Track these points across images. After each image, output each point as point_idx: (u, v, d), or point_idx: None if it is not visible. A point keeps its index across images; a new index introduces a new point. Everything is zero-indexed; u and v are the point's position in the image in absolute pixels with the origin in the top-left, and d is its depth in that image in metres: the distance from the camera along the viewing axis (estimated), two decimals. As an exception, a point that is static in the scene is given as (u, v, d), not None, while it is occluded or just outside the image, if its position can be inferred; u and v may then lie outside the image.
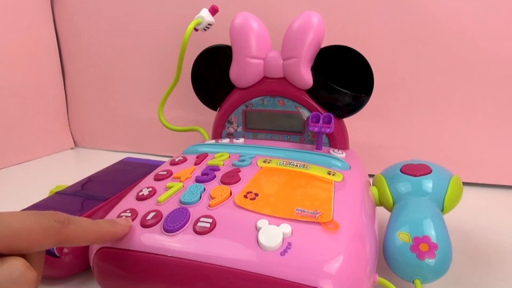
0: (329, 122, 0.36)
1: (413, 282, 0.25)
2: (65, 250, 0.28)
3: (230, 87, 0.41)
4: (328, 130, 0.35)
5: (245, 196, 0.26)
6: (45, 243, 0.19)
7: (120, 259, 0.24)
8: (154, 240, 0.24)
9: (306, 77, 0.37)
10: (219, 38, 0.41)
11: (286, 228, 0.23)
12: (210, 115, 0.44)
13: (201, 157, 0.35)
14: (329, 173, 0.30)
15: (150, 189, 0.29)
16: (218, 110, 0.43)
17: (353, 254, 0.22)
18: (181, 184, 0.29)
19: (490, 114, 0.47)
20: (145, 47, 0.61)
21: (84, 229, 0.21)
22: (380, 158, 0.44)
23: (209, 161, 0.33)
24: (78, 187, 0.37)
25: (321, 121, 0.36)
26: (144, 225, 0.25)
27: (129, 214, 0.26)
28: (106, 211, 0.28)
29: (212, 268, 0.22)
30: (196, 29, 0.42)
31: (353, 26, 0.49)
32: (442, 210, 0.30)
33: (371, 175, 0.36)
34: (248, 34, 0.37)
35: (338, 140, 0.38)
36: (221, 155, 0.34)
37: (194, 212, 0.25)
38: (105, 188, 0.36)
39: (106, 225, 0.23)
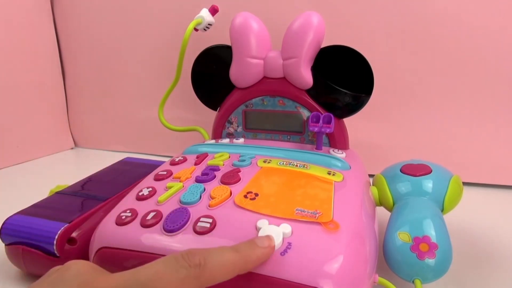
0: (329, 122, 0.36)
1: (413, 282, 0.25)
2: (66, 247, 0.28)
3: (230, 87, 0.41)
4: (328, 130, 0.35)
5: (245, 196, 0.26)
6: None
7: (120, 259, 0.24)
8: (154, 240, 0.24)
9: (306, 77, 0.37)
10: (219, 38, 0.41)
11: (286, 228, 0.23)
12: (210, 115, 0.44)
13: (201, 157, 0.35)
14: (329, 173, 0.30)
15: (150, 189, 0.29)
16: (218, 110, 0.43)
17: (353, 254, 0.22)
18: (181, 184, 0.29)
19: (490, 114, 0.47)
20: (145, 47, 0.61)
21: (222, 264, 0.19)
22: (380, 158, 0.44)
23: (209, 161, 0.33)
24: (78, 187, 0.37)
25: (321, 121, 0.36)
26: (144, 225, 0.25)
27: (129, 214, 0.26)
28: (106, 211, 0.28)
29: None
30: (196, 29, 0.42)
31: (353, 26, 0.49)
32: (442, 210, 0.30)
33: (371, 175, 0.36)
34: (248, 34, 0.37)
35: (338, 140, 0.38)
36: (221, 155, 0.34)
37: (194, 212, 0.25)
38: (105, 188, 0.36)
39: (247, 251, 0.20)
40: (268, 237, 0.21)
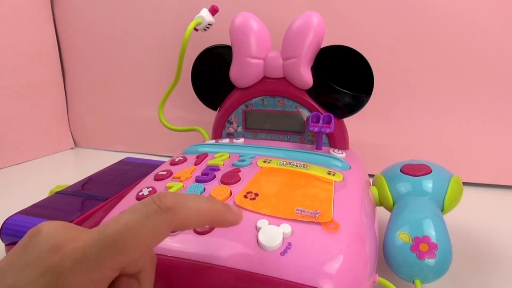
0: (329, 122, 0.36)
1: (413, 282, 0.25)
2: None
3: (230, 87, 0.41)
4: (328, 130, 0.35)
5: (245, 196, 0.26)
6: (156, 242, 0.17)
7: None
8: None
9: (306, 77, 0.37)
10: (219, 38, 0.41)
11: (286, 228, 0.23)
12: (210, 115, 0.44)
13: (201, 157, 0.35)
14: (329, 173, 0.30)
15: (150, 189, 0.29)
16: (218, 110, 0.43)
17: (353, 254, 0.22)
18: (181, 184, 0.29)
19: (490, 114, 0.47)
20: (145, 47, 0.61)
21: (196, 211, 0.18)
22: (380, 158, 0.44)
23: (209, 161, 0.33)
24: (78, 187, 0.36)
25: (321, 121, 0.36)
26: (144, 225, 0.25)
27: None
28: (106, 211, 0.28)
29: (212, 268, 0.22)
30: (196, 29, 0.42)
31: (353, 26, 0.49)
32: (442, 210, 0.30)
33: (371, 175, 0.36)
34: (248, 34, 0.37)
35: (338, 140, 0.38)
36: (221, 155, 0.34)
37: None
38: (105, 188, 0.36)
39: (220, 206, 0.19)
40: (239, 209, 0.21)
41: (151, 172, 0.33)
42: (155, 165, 0.40)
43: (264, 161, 0.32)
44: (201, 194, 0.27)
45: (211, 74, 0.42)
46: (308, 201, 0.26)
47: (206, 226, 0.18)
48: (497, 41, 0.45)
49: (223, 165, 0.32)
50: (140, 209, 0.17)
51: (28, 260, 0.16)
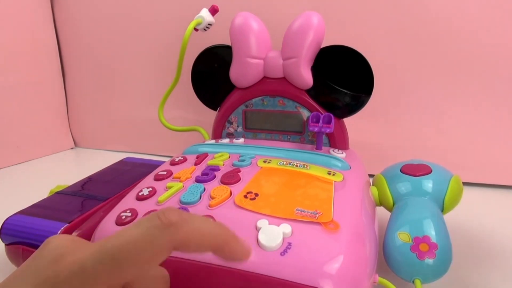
0: (329, 122, 0.36)
1: (413, 282, 0.25)
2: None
3: (230, 87, 0.41)
4: (328, 130, 0.35)
5: (245, 196, 0.26)
6: (157, 258, 0.16)
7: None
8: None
9: (306, 77, 0.37)
10: (219, 38, 0.41)
11: (286, 228, 0.23)
12: (210, 115, 0.44)
13: (201, 157, 0.35)
14: (329, 173, 0.30)
15: (150, 189, 0.29)
16: (218, 110, 0.43)
17: (353, 254, 0.22)
18: (181, 184, 0.29)
19: (490, 114, 0.47)
20: (145, 47, 0.61)
21: (200, 231, 0.17)
22: (380, 158, 0.44)
23: (209, 161, 0.33)
24: (78, 187, 0.37)
25: (321, 121, 0.36)
26: (144, 225, 0.25)
27: (129, 214, 0.26)
28: (106, 211, 0.28)
29: (212, 268, 0.22)
30: (196, 29, 0.42)
31: (353, 26, 0.49)
32: (442, 210, 0.30)
33: (371, 175, 0.36)
34: (248, 34, 0.37)
35: (338, 140, 0.38)
36: (221, 155, 0.34)
37: (194, 212, 0.25)
38: (105, 188, 0.36)
39: (229, 235, 0.18)
40: (249, 246, 0.19)
41: (151, 172, 0.33)
42: (155, 165, 0.40)
43: (264, 161, 0.32)
44: (201, 194, 0.27)
45: (211, 74, 0.42)
46: (308, 201, 0.26)
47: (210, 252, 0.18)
48: (497, 41, 0.45)
49: (223, 165, 0.32)
50: (143, 223, 0.16)
51: (32, 271, 0.16)
